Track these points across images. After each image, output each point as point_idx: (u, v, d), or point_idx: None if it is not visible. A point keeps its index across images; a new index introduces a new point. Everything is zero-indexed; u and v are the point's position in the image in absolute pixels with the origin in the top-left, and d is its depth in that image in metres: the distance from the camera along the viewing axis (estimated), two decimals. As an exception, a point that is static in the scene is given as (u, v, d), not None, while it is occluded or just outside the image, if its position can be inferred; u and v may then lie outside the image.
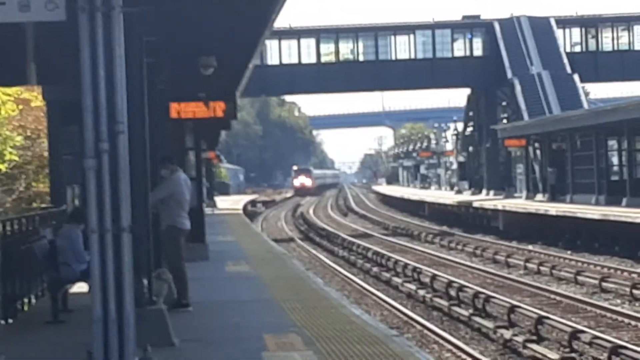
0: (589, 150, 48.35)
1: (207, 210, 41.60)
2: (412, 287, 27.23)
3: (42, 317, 14.89)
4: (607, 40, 66.75)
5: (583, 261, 33.73)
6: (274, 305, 16.48)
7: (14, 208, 35.93)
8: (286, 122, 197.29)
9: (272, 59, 64.88)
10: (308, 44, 65.75)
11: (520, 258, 34.55)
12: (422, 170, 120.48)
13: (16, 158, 35.20)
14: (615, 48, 66.60)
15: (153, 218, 14.28)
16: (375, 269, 33.32)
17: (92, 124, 8.94)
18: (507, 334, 18.83)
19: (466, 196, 69.55)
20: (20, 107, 34.51)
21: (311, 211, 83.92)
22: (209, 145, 56.58)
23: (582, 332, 17.90)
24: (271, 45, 63.76)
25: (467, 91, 72.95)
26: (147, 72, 13.22)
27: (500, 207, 51.63)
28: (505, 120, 67.00)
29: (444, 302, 23.82)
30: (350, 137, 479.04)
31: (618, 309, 22.26)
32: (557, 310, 22.60)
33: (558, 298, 24.67)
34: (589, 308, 22.73)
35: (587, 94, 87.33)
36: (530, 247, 41.40)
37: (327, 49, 66.03)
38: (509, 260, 34.53)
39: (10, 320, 15.03)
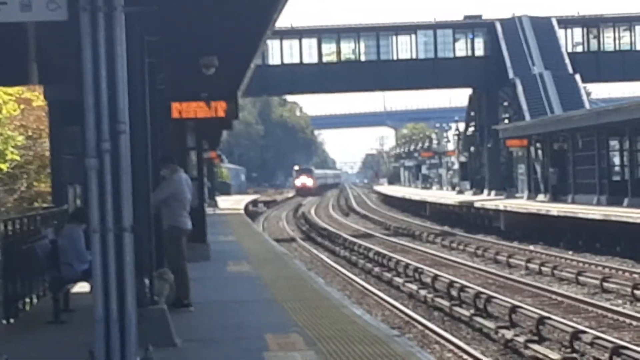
0: (590, 151, 48.33)
1: (209, 210, 41.59)
2: (414, 287, 27.23)
3: (43, 317, 14.89)
4: (609, 41, 66.69)
5: (584, 261, 33.71)
6: (275, 305, 16.48)
7: (15, 208, 35.91)
8: (288, 122, 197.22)
9: (274, 59, 64.82)
10: (310, 43, 65.70)
11: (521, 258, 34.53)
12: (424, 170, 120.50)
13: (18, 158, 35.19)
14: (617, 48, 66.55)
15: (154, 218, 14.29)
16: (376, 269, 33.31)
17: (93, 123, 8.94)
18: (509, 334, 18.83)
19: (467, 196, 69.51)
20: (22, 106, 34.50)
21: (312, 211, 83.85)
22: (211, 145, 56.60)
23: (584, 332, 17.89)
24: (273, 45, 63.71)
25: (468, 91, 72.93)
26: (148, 71, 13.24)
27: (501, 208, 51.58)
28: (506, 121, 66.90)
29: (445, 303, 23.81)
30: (351, 137, 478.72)
31: (619, 309, 22.25)
32: (558, 310, 22.59)
33: (559, 298, 24.65)
34: (590, 308, 22.72)
35: (588, 94, 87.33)
36: (531, 247, 41.37)
37: (328, 48, 65.99)
38: (511, 260, 34.51)
39: (11, 320, 15.02)
